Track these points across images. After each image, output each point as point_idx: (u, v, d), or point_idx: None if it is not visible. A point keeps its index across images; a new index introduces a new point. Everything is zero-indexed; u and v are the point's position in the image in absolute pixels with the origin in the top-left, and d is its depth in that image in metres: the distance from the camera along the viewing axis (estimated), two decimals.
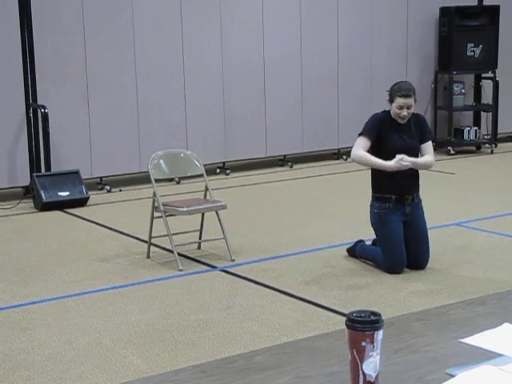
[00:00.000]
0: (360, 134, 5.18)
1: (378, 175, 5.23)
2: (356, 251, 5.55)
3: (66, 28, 8.04)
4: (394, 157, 5.05)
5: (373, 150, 5.15)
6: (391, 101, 5.17)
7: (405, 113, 5.13)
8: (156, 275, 5.36)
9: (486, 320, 1.96)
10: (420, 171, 5.33)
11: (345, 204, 7.45)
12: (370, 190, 5.34)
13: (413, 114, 5.24)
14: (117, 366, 3.87)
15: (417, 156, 5.26)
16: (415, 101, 5.17)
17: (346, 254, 5.68)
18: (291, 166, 9.56)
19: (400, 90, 5.12)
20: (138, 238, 6.29)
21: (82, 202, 7.67)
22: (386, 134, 5.16)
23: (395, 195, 5.20)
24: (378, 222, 5.26)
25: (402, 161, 5.03)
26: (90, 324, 4.46)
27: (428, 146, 5.30)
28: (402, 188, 5.22)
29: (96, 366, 3.87)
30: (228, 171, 9.16)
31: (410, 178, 5.25)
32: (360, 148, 5.12)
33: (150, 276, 5.35)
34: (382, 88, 10.12)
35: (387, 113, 5.25)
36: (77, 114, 8.20)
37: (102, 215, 7.24)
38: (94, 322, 4.50)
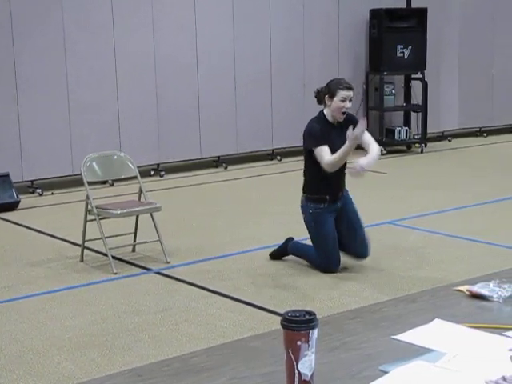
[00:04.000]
0: (314, 147, 5.17)
1: (314, 177, 5.28)
2: (287, 249, 5.57)
3: None
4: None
5: (314, 158, 5.18)
6: (332, 96, 5.17)
7: (348, 105, 5.19)
8: (90, 279, 5.29)
9: (418, 316, 2.00)
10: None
11: (279, 204, 7.49)
12: (302, 191, 5.37)
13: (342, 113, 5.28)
14: (50, 372, 3.81)
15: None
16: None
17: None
18: (226, 167, 9.56)
19: (341, 83, 5.21)
20: (71, 242, 6.20)
21: (12, 206, 7.51)
22: (327, 139, 5.18)
23: (330, 195, 5.26)
24: (312, 221, 5.31)
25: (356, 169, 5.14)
26: (22, 330, 4.37)
27: (368, 136, 5.42)
28: (337, 187, 5.32)
29: (28, 373, 3.80)
30: (162, 173, 9.10)
31: (343, 175, 5.36)
32: (325, 156, 5.12)
33: (83, 280, 5.27)
34: (315, 88, 10.26)
35: (321, 118, 5.29)
36: (6, 116, 8.02)
37: (34, 219, 7.11)
38: (25, 327, 4.41)
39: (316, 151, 5.15)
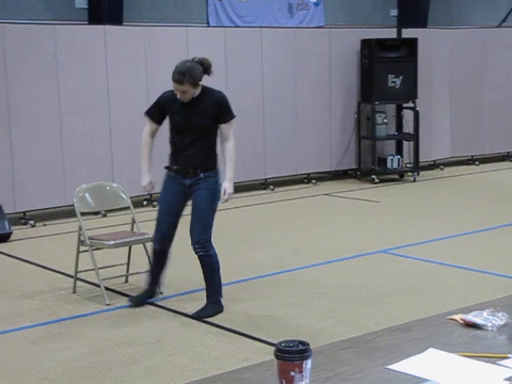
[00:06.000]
0: (145, 113, 5.27)
1: (170, 148, 5.20)
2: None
3: None
4: (182, 132, 5.04)
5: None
6: None
7: (180, 95, 4.97)
8: (83, 311, 5.26)
9: (412, 346, 2.00)
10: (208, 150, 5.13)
11: (272, 234, 7.49)
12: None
13: (212, 91, 5.10)
14: None
15: (203, 133, 5.06)
16: (194, 86, 4.94)
17: (273, 283, 5.68)
18: None
19: (173, 73, 4.93)
20: (63, 273, 6.17)
21: (4, 238, 7.48)
22: (170, 110, 5.06)
23: (177, 166, 5.12)
24: (162, 187, 5.26)
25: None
26: (14, 363, 4.33)
27: (228, 126, 5.15)
28: (184, 162, 5.09)
29: None
30: (155, 203, 9.08)
31: (194, 154, 5.05)
32: (146, 128, 5.24)
33: (76, 312, 5.24)
34: (307, 118, 10.36)
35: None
36: None
37: (26, 250, 7.08)
38: (17, 361, 4.37)
39: (146, 120, 5.23)
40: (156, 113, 5.20)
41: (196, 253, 5.12)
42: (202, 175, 5.09)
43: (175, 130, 5.11)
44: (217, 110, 5.06)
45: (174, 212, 5.20)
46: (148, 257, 5.63)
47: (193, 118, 5.01)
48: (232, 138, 5.20)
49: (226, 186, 5.17)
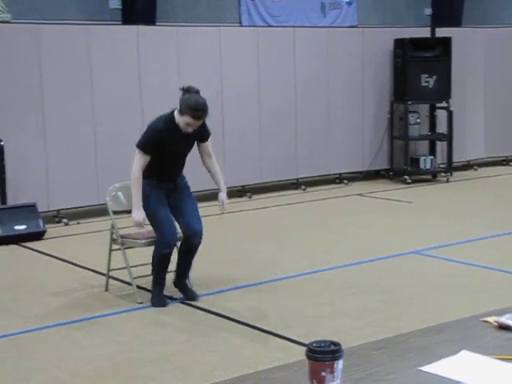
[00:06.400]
0: (138, 148, 5.13)
1: (150, 167, 5.16)
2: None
3: (22, 61, 7.99)
4: (173, 161, 5.16)
5: (158, 155, 5.13)
6: (181, 113, 4.99)
7: (190, 130, 5.05)
8: (115, 308, 5.29)
9: (445, 347, 1.98)
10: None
11: (303, 234, 7.47)
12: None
13: None
14: None
15: (186, 155, 5.29)
16: None
17: (305, 283, 5.67)
18: (250, 197, 9.57)
19: (193, 109, 4.95)
20: (96, 271, 6.22)
21: (38, 236, 7.56)
22: (168, 141, 5.08)
23: (158, 179, 5.21)
24: (145, 195, 5.17)
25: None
26: (48, 360, 4.38)
27: (209, 143, 5.38)
28: (168, 176, 5.27)
29: None
30: None
31: (176, 170, 5.31)
32: (138, 165, 5.10)
33: (108, 309, 5.28)
34: (339, 117, 10.32)
35: (171, 119, 5.08)
36: (33, 147, 8.12)
37: (60, 249, 7.15)
38: (51, 357, 4.42)
39: (136, 152, 5.11)
40: (152, 148, 5.10)
41: (197, 242, 5.28)
42: (178, 180, 5.36)
43: (166, 159, 5.16)
44: (201, 130, 5.21)
45: (170, 214, 5.28)
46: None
47: (188, 146, 5.23)
48: (212, 152, 5.45)
49: (223, 196, 5.43)
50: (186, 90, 5.06)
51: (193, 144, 5.28)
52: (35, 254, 7.01)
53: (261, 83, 9.61)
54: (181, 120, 5.01)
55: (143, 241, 5.52)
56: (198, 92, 5.09)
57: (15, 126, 8.00)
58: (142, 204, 5.18)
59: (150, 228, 5.37)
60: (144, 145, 5.13)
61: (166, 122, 5.08)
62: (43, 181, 8.20)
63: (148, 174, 5.17)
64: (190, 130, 5.04)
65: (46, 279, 6.10)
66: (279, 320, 4.96)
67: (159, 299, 5.31)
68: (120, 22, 10.87)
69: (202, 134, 5.26)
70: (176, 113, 5.07)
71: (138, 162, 5.12)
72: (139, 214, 5.18)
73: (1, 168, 7.72)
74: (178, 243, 5.39)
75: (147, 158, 5.12)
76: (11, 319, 5.13)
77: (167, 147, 5.09)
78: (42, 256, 6.93)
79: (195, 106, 4.96)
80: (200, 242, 5.31)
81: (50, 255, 6.91)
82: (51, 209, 8.29)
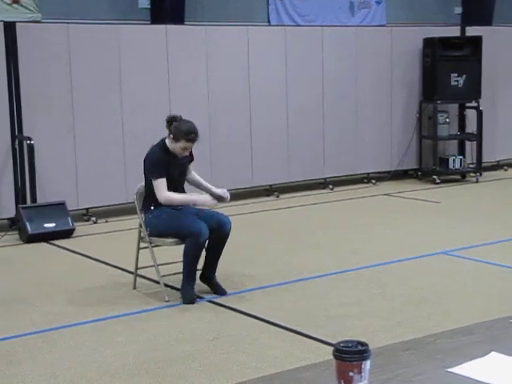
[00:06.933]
0: (154, 178, 5.36)
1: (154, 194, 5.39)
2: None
3: (52, 60, 8.06)
4: (174, 185, 5.38)
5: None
6: (176, 139, 5.34)
7: (187, 153, 5.45)
8: (142, 306, 5.32)
9: (474, 349, 1.96)
10: None
11: (331, 234, 7.45)
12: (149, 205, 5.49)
13: None
14: None
15: (184, 179, 5.61)
16: None
17: (333, 283, 5.66)
18: (278, 196, 9.57)
19: (187, 133, 5.32)
20: (124, 269, 6.26)
21: (67, 234, 7.63)
22: (166, 168, 5.39)
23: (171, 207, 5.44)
24: (158, 219, 5.39)
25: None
26: (76, 357, 4.42)
27: (193, 164, 5.68)
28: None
29: None
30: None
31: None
32: (164, 190, 5.35)
33: (136, 307, 5.31)
34: (367, 117, 10.28)
35: (162, 146, 5.44)
36: (63, 146, 8.19)
37: (88, 246, 7.20)
38: (79, 354, 4.45)
39: (155, 183, 5.36)
40: (163, 171, 5.38)
41: (228, 229, 5.41)
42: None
43: (169, 185, 5.38)
44: (190, 154, 5.57)
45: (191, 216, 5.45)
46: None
47: (183, 170, 5.50)
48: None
49: (219, 190, 5.52)
50: (172, 120, 5.44)
51: (186, 168, 5.56)
52: (64, 252, 7.07)
53: (288, 82, 9.60)
54: (176, 146, 5.38)
55: (171, 239, 5.54)
56: (181, 118, 5.46)
57: (45, 124, 8.08)
58: (193, 195, 5.50)
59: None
60: (153, 170, 5.40)
61: (161, 149, 5.45)
62: (72, 179, 8.27)
63: (159, 203, 5.41)
64: (186, 153, 5.44)
65: (75, 277, 6.15)
66: (306, 320, 4.96)
67: (190, 295, 5.35)
68: (149, 22, 10.92)
69: (191, 158, 5.61)
70: (168, 141, 5.42)
71: (159, 186, 5.37)
72: (201, 196, 5.44)
73: (31, 166, 7.80)
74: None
75: (164, 183, 5.36)
76: (40, 316, 5.18)
77: (167, 172, 5.38)
78: (70, 254, 6.99)
79: (188, 130, 5.36)
80: (230, 229, 5.41)
81: (79, 253, 6.97)
82: (80, 207, 8.36)
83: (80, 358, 4.40)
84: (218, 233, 5.38)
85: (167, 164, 5.38)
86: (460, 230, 7.48)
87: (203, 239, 5.27)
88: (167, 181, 5.37)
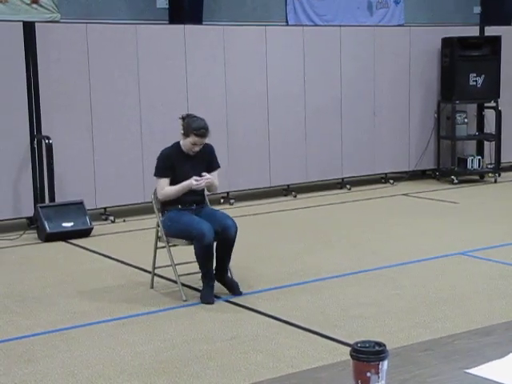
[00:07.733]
0: (157, 177, 5.54)
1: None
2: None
3: (70, 60, 8.11)
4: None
5: (172, 182, 5.50)
6: (186, 135, 5.43)
7: (197, 149, 5.46)
8: (160, 306, 5.34)
9: (492, 350, 1.95)
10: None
11: (349, 234, 7.44)
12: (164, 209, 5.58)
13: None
14: None
15: None
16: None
17: (350, 283, 5.65)
18: (295, 196, 9.56)
19: (197, 128, 5.39)
20: (141, 269, 6.28)
21: (85, 233, 7.67)
22: (177, 166, 5.46)
23: (183, 206, 5.52)
24: (170, 221, 5.48)
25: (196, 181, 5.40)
26: (94, 356, 4.44)
27: (215, 174, 5.63)
28: (190, 203, 5.53)
29: None
30: (232, 201, 9.16)
31: (193, 194, 5.51)
32: (161, 190, 5.50)
33: (153, 307, 5.33)
34: (386, 117, 10.25)
35: (176, 146, 5.56)
36: (81, 145, 8.24)
37: (106, 246, 7.24)
38: (97, 353, 4.48)
39: (157, 181, 5.54)
40: (167, 171, 5.49)
41: (233, 234, 5.37)
42: (203, 205, 5.67)
43: (181, 182, 5.45)
44: (209, 158, 5.60)
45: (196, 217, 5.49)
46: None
47: (195, 171, 5.45)
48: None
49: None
50: (186, 117, 5.55)
51: (200, 170, 5.49)
52: (82, 251, 7.10)
53: (306, 82, 9.59)
54: (186, 142, 5.46)
55: (185, 240, 5.55)
56: (195, 116, 5.55)
57: (63, 124, 8.13)
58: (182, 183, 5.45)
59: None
60: (158, 169, 5.56)
61: (173, 147, 5.57)
62: (90, 179, 8.31)
63: (170, 202, 5.51)
64: (196, 148, 5.45)
65: (92, 276, 6.18)
66: (324, 320, 4.95)
67: (208, 295, 5.36)
68: (167, 22, 10.95)
69: (210, 163, 5.60)
70: (181, 139, 5.51)
71: (160, 185, 5.52)
72: (188, 180, 5.40)
73: (49, 166, 7.84)
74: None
75: (165, 182, 5.47)
76: (58, 315, 5.21)
77: (177, 171, 5.45)
78: (88, 253, 7.02)
79: (198, 125, 5.43)
80: (235, 235, 5.38)
81: (97, 252, 7.00)
82: (98, 206, 8.39)
83: (98, 356, 4.42)
84: (223, 236, 5.37)
85: (174, 164, 5.46)
86: (478, 230, 7.44)
87: (207, 240, 5.25)
88: (180, 179, 5.43)
